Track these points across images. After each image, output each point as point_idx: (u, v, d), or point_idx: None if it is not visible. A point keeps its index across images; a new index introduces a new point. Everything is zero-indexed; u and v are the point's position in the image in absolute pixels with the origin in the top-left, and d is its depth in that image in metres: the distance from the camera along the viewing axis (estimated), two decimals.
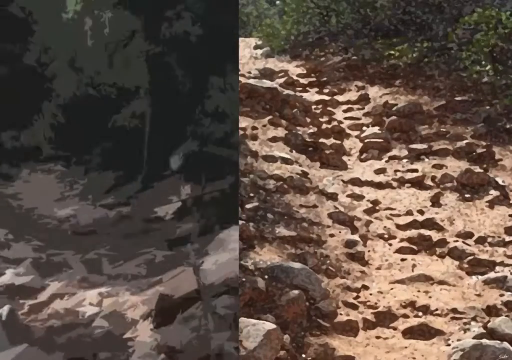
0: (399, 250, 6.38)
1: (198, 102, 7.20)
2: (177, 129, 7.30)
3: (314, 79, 11.63)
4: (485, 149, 8.39)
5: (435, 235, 6.60)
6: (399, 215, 7.07)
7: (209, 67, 7.15)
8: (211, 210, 6.35)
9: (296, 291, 4.92)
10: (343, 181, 7.79)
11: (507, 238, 6.49)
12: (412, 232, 6.66)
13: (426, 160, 8.40)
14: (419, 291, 5.61)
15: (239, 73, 9.26)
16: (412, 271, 5.97)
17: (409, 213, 7.09)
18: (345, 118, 9.85)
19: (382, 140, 8.88)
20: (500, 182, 7.63)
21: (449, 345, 4.81)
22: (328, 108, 10.14)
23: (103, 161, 8.22)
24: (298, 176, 7.30)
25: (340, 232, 6.48)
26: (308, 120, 9.39)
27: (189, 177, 7.04)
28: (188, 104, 7.27)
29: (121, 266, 5.92)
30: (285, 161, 7.63)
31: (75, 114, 8.62)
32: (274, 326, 4.32)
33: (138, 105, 7.90)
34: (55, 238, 6.65)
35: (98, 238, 6.59)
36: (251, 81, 9.45)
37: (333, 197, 7.25)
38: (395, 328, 5.12)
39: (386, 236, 6.66)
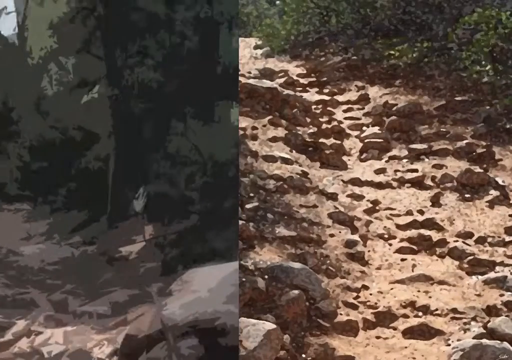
0: (399, 250, 6.38)
1: (160, 145, 7.44)
2: (140, 171, 7.53)
3: (314, 79, 11.63)
4: (485, 149, 8.39)
5: (435, 235, 6.60)
6: (399, 215, 7.07)
7: (169, 112, 7.39)
8: (173, 251, 6.49)
9: (296, 291, 4.92)
10: (343, 181, 7.79)
11: (507, 238, 6.49)
12: (412, 232, 6.66)
13: (426, 160, 8.40)
14: (419, 291, 5.61)
15: (239, 73, 9.26)
16: (412, 271, 5.97)
17: (409, 213, 7.08)
18: (345, 118, 9.85)
19: (382, 140, 8.88)
20: (500, 182, 7.63)
21: (449, 345, 4.81)
22: (328, 108, 10.13)
23: (69, 201, 8.49)
24: (298, 176, 7.30)
25: (340, 232, 6.48)
26: (308, 120, 9.39)
27: (152, 218, 7.31)
28: (150, 147, 7.53)
29: (86, 305, 5.98)
30: (285, 161, 7.63)
31: (41, 155, 8.89)
32: (274, 326, 4.32)
33: (102, 148, 8.17)
34: (21, 277, 6.72)
35: (64, 277, 6.66)
36: (251, 81, 9.45)
37: (333, 197, 7.25)
38: (395, 328, 5.12)
39: (386, 236, 6.66)
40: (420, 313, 5.27)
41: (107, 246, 7.18)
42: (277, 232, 5.97)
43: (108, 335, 5.14)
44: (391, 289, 5.64)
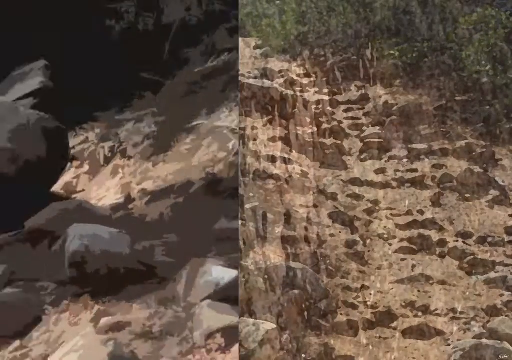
0: (399, 250, 6.38)
1: None
2: None
3: (314, 79, 11.63)
4: (485, 149, 8.39)
5: (435, 235, 6.60)
6: (399, 215, 7.07)
7: None
8: None
9: (296, 291, 4.93)
10: (343, 181, 7.79)
11: (507, 238, 6.49)
12: (412, 232, 6.65)
13: (426, 160, 8.40)
14: (419, 291, 5.61)
15: (239, 73, 9.26)
16: (412, 271, 5.97)
17: (409, 213, 7.08)
18: (345, 118, 9.84)
19: (382, 140, 8.88)
20: (500, 182, 7.62)
21: (449, 345, 4.82)
22: (328, 108, 10.13)
23: None
24: (298, 176, 7.30)
25: (340, 232, 6.48)
26: (308, 120, 9.39)
27: None
28: None
29: None
30: (285, 161, 7.63)
31: None
32: (274, 326, 4.32)
33: None
34: None
35: None
36: (251, 81, 9.44)
37: (333, 197, 7.25)
38: (395, 328, 5.12)
39: (386, 236, 6.66)
40: (420, 313, 5.27)
41: None
42: (277, 232, 5.96)
43: None
44: (391, 289, 5.64)
